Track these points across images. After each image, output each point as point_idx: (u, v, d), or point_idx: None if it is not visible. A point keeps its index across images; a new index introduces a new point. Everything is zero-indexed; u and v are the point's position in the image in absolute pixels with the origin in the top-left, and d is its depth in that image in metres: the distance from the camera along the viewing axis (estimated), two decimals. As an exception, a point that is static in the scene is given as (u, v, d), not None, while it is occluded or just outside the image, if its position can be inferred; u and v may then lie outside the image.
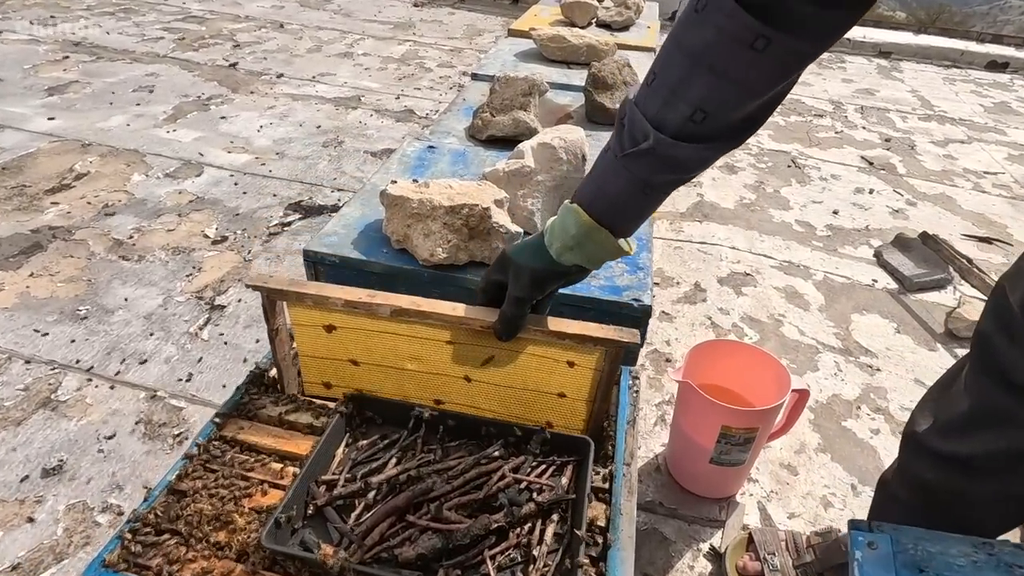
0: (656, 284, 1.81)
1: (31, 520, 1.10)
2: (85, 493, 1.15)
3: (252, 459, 0.81)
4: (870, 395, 1.48)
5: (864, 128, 3.23)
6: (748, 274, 1.89)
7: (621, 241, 0.68)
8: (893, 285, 1.92)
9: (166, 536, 0.70)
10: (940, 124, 3.41)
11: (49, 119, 2.58)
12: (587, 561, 0.69)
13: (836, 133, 3.11)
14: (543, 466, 0.80)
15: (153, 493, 0.73)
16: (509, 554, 0.69)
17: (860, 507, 1.18)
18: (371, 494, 0.73)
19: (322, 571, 0.65)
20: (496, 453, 0.79)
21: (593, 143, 1.50)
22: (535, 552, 0.69)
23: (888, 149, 2.98)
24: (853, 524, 0.42)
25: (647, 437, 1.31)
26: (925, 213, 2.41)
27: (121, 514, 1.12)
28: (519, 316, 0.76)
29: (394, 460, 0.79)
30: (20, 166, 2.24)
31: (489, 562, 0.67)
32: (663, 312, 1.70)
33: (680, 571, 1.05)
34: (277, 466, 0.80)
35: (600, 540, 0.73)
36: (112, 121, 2.63)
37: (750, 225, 2.18)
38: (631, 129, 0.60)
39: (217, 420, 0.84)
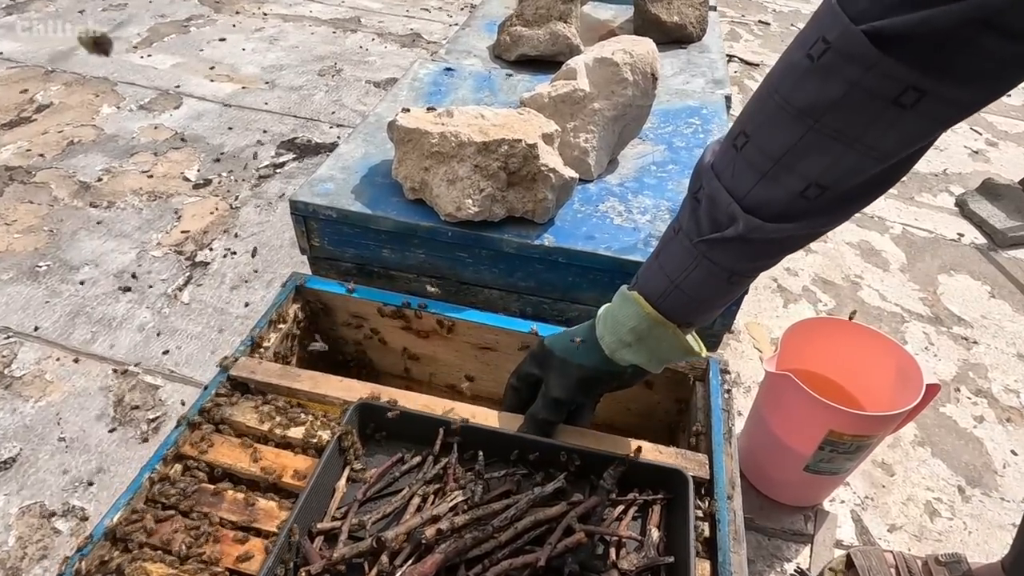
0: (709, 238, 1.56)
1: (-22, 526, 0.92)
2: (42, 492, 0.96)
3: (225, 489, 0.59)
4: (968, 373, 1.25)
5: None
6: (815, 227, 1.63)
7: (689, 338, 0.57)
8: (982, 240, 1.65)
9: (98, 616, 0.50)
10: None
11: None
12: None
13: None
14: (620, 506, 0.58)
15: (84, 549, 0.53)
16: (585, 647, 0.49)
17: (972, 515, 0.98)
18: (386, 556, 0.52)
19: None
20: (556, 487, 0.57)
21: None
22: (623, 647, 0.48)
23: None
24: None
25: (736, 457, 1.09)
26: (1008, 154, 2.11)
27: (85, 519, 0.93)
28: (552, 424, 0.62)
29: (416, 500, 0.57)
30: (-27, 96, 1.95)
31: (558, 663, 0.47)
32: (719, 272, 1.45)
33: (762, 598, 0.87)
34: (259, 502, 0.59)
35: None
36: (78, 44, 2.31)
37: (812, 168, 1.89)
38: (711, 210, 0.49)
39: (184, 427, 0.62)
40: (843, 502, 0.98)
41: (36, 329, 1.23)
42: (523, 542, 0.53)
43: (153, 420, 1.08)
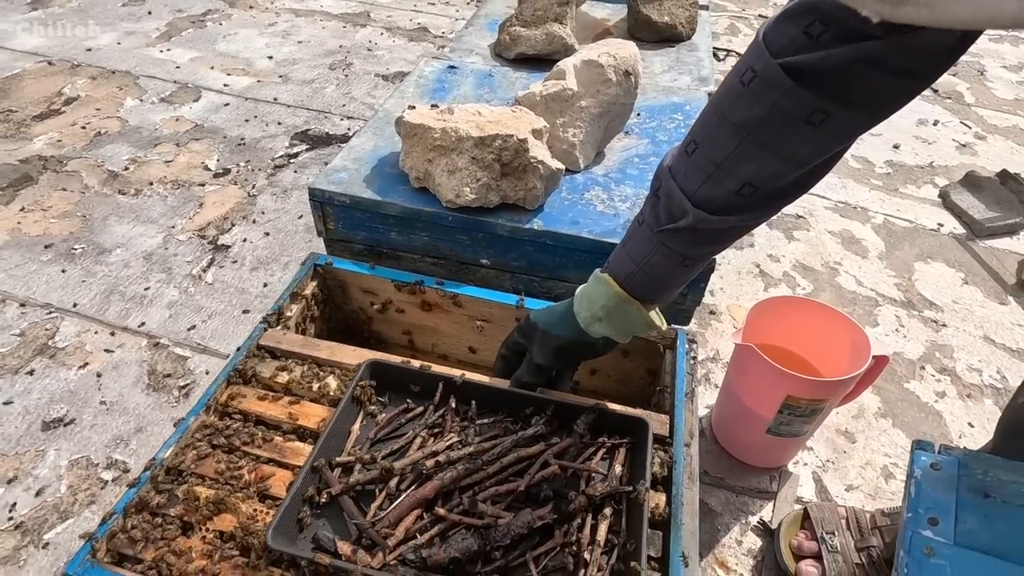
0: (698, 226, 1.64)
1: (33, 476, 1.04)
2: (88, 448, 1.08)
3: (256, 433, 0.70)
4: (935, 353, 1.34)
5: None
6: (800, 216, 1.72)
7: (653, 314, 0.66)
8: (961, 230, 1.73)
9: (163, 523, 0.61)
10: (1014, 46, 3.05)
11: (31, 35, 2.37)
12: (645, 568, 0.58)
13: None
14: (591, 448, 0.68)
15: (143, 476, 0.64)
16: (556, 556, 0.59)
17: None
18: (394, 481, 0.63)
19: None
20: (537, 433, 0.68)
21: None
22: (587, 554, 0.59)
23: (955, 75, 2.67)
24: (918, 444, 0.36)
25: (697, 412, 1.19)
26: (995, 147, 2.17)
27: (127, 471, 1.05)
28: (533, 386, 0.72)
29: (419, 440, 0.68)
30: (5, 89, 2.07)
31: (533, 566, 0.57)
32: (706, 258, 1.55)
33: (727, 546, 0.97)
34: (283, 442, 0.70)
35: (659, 537, 0.63)
36: (102, 39, 2.42)
37: (801, 161, 1.97)
38: (668, 205, 0.58)
39: (221, 385, 0.73)
40: (806, 464, 1.08)
41: (75, 305, 1.35)
42: (507, 474, 0.64)
43: (184, 387, 1.19)
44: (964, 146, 2.17)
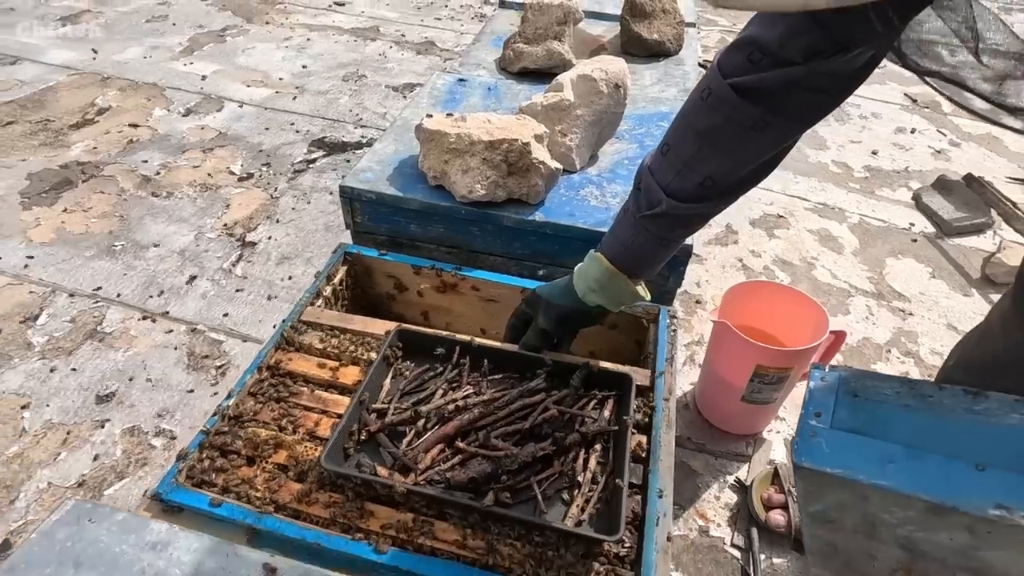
0: (686, 225, 1.78)
1: (91, 442, 1.16)
2: (138, 418, 1.21)
3: (302, 389, 0.83)
4: (901, 339, 1.47)
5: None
6: (781, 216, 1.85)
7: (639, 287, 0.79)
8: (931, 229, 1.87)
9: (231, 457, 0.74)
10: (992, 58, 3.20)
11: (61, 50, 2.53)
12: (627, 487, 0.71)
13: (880, 68, 2.94)
14: (585, 399, 0.81)
15: (211, 420, 0.77)
16: (554, 480, 0.72)
17: (885, 446, 1.20)
18: (421, 422, 0.76)
19: (382, 492, 0.68)
20: (539, 385, 0.81)
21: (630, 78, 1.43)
22: (580, 479, 0.72)
23: (934, 86, 2.82)
24: (814, 366, 0.49)
25: (676, 376, 1.32)
26: (970, 155, 2.31)
27: (174, 438, 1.18)
28: (538, 348, 0.85)
29: (441, 391, 0.81)
30: (41, 100, 2.22)
31: (536, 486, 0.70)
32: (694, 254, 1.68)
33: (707, 501, 1.10)
34: (326, 395, 0.83)
35: (641, 469, 0.76)
36: (128, 53, 2.57)
37: (785, 166, 2.10)
38: (647, 195, 0.71)
39: (270, 350, 0.86)
40: (778, 432, 1.21)
41: (118, 296, 1.48)
42: (514, 417, 0.77)
43: (220, 366, 1.33)
44: (939, 152, 2.31)
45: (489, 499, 0.67)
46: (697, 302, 1.52)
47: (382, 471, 0.70)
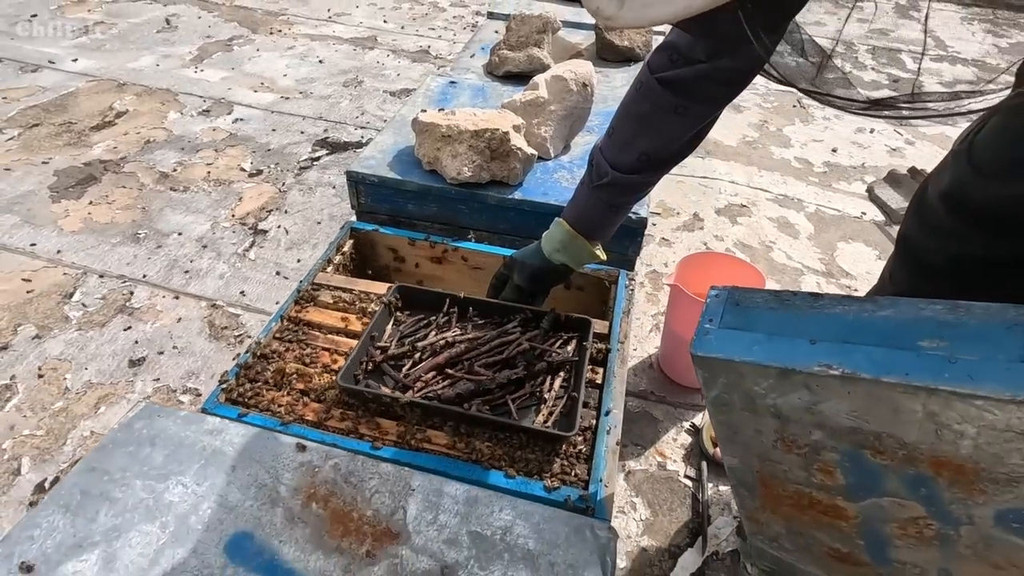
0: (657, 214, 1.96)
1: (126, 400, 1.32)
2: (167, 379, 1.37)
3: (318, 334, 1.00)
4: (845, 311, 1.65)
5: (874, 69, 3.26)
6: (744, 205, 2.04)
7: (597, 249, 0.95)
8: (881, 217, 2.05)
9: (261, 383, 0.91)
10: (951, 65, 3.42)
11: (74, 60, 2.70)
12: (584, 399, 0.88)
13: (844, 74, 3.14)
14: (553, 339, 0.99)
15: (244, 355, 0.93)
16: (525, 399, 0.89)
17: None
18: (417, 355, 0.93)
19: (386, 404, 0.85)
20: (514, 326, 0.98)
21: (602, 79, 1.62)
22: (546, 396, 0.89)
23: (895, 91, 3.02)
24: (712, 287, 0.65)
25: (643, 341, 1.50)
26: (923, 152, 2.51)
27: (199, 395, 1.34)
28: (514, 301, 1.02)
29: (433, 333, 0.98)
30: (63, 104, 2.38)
31: (511, 402, 0.87)
32: (663, 238, 1.86)
33: (666, 442, 1.26)
34: (338, 338, 1.00)
35: (597, 393, 0.93)
36: (142, 61, 2.74)
37: (750, 161, 2.30)
38: (597, 168, 0.87)
39: (290, 304, 1.03)
40: (730, 386, 1.38)
41: (144, 276, 1.65)
42: (494, 351, 0.94)
43: (238, 336, 1.49)
44: (895, 150, 2.51)
45: (472, 410, 0.84)
46: (669, 285, 1.70)
47: (386, 389, 0.87)
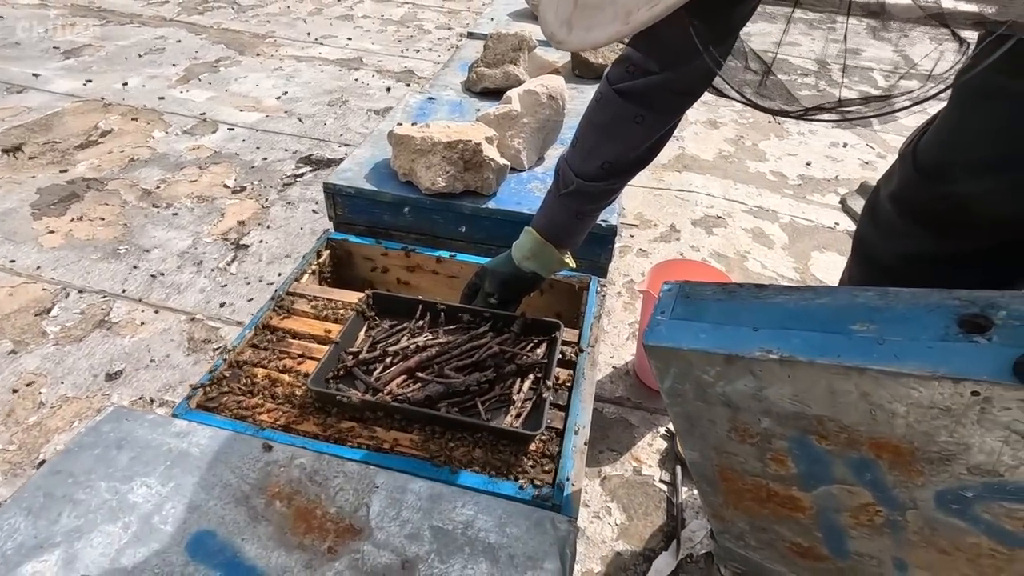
0: (635, 226, 2.00)
1: (100, 412, 1.32)
2: (144, 391, 1.37)
3: (292, 341, 1.01)
4: (819, 318, 1.68)
5: (846, 87, 3.35)
6: (720, 217, 2.08)
7: (566, 257, 0.97)
8: (853, 227, 2.10)
9: (232, 391, 0.92)
10: (921, 83, 3.53)
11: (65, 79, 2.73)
12: (552, 398, 0.89)
13: (819, 91, 3.23)
14: (523, 342, 1.00)
15: (217, 362, 0.94)
16: (494, 401, 0.90)
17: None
18: (388, 359, 0.94)
19: (355, 408, 0.86)
20: (485, 330, 0.99)
21: (576, 95, 1.67)
22: (515, 398, 0.90)
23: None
24: (665, 283, 0.67)
25: (620, 349, 1.52)
26: (894, 165, 2.57)
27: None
28: (486, 308, 1.03)
29: (406, 338, 0.99)
30: (48, 124, 2.40)
31: (480, 405, 0.89)
32: (640, 249, 1.89)
33: (641, 447, 1.27)
34: (312, 346, 1.01)
35: (566, 394, 0.94)
36: (128, 82, 2.78)
37: (726, 175, 2.35)
38: (563, 178, 0.89)
39: (265, 312, 1.04)
40: (705, 392, 1.40)
41: (124, 291, 1.65)
42: (464, 355, 0.95)
43: (217, 349, 1.49)
44: (867, 163, 2.57)
45: (442, 412, 0.85)
46: (641, 292, 1.72)
47: (355, 393, 0.88)
